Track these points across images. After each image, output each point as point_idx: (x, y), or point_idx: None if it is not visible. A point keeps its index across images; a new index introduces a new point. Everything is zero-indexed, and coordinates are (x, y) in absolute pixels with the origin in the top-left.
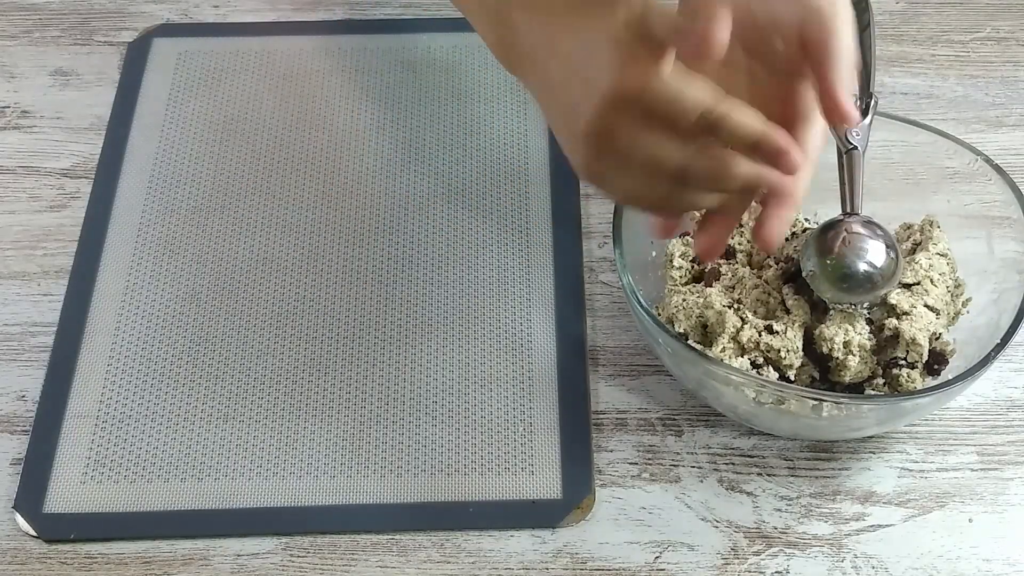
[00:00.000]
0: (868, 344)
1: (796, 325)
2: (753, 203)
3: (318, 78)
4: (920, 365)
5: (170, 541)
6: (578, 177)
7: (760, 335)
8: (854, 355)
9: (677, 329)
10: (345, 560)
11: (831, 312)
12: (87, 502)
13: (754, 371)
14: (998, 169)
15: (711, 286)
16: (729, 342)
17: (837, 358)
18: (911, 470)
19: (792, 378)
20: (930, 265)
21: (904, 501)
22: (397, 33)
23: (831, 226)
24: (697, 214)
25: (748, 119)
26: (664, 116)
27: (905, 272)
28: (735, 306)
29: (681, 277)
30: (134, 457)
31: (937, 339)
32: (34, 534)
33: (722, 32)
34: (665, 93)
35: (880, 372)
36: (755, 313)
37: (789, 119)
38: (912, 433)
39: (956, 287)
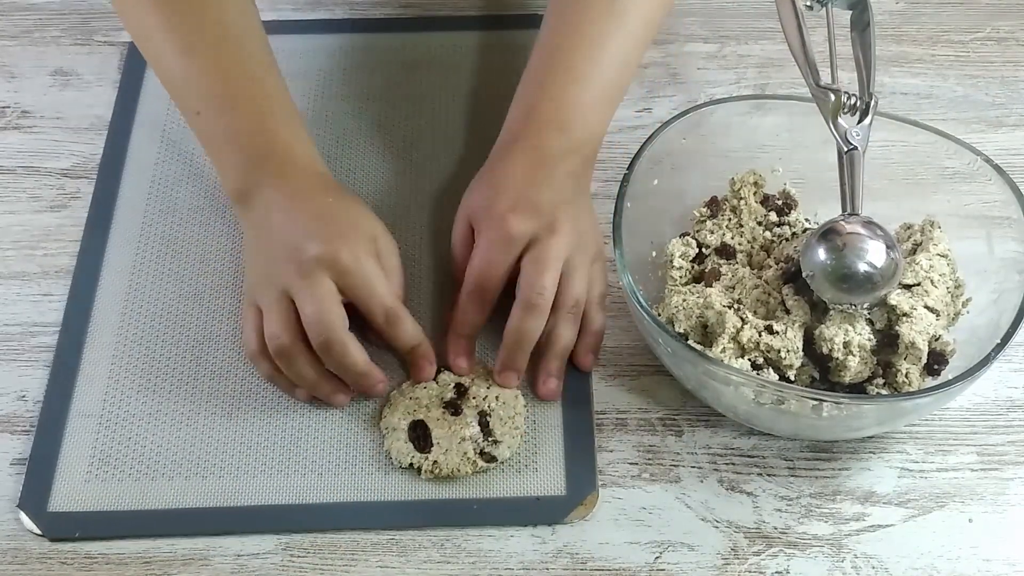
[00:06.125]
0: (868, 344)
1: (796, 325)
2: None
3: (318, 78)
4: (919, 366)
5: (170, 541)
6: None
7: (760, 335)
8: (854, 355)
9: (677, 329)
10: (345, 560)
11: (831, 312)
12: (91, 501)
13: (754, 371)
14: (998, 169)
15: (711, 286)
16: (729, 342)
17: (837, 358)
18: (911, 470)
19: (792, 378)
20: (930, 266)
21: (904, 501)
22: (397, 33)
23: (831, 227)
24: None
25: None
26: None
27: (905, 273)
28: (735, 306)
29: (681, 277)
30: (138, 455)
31: (937, 340)
32: (39, 533)
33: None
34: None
35: (880, 372)
36: (755, 313)
37: None
38: (912, 433)
39: (956, 287)
